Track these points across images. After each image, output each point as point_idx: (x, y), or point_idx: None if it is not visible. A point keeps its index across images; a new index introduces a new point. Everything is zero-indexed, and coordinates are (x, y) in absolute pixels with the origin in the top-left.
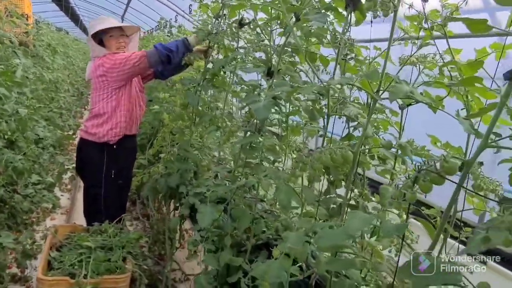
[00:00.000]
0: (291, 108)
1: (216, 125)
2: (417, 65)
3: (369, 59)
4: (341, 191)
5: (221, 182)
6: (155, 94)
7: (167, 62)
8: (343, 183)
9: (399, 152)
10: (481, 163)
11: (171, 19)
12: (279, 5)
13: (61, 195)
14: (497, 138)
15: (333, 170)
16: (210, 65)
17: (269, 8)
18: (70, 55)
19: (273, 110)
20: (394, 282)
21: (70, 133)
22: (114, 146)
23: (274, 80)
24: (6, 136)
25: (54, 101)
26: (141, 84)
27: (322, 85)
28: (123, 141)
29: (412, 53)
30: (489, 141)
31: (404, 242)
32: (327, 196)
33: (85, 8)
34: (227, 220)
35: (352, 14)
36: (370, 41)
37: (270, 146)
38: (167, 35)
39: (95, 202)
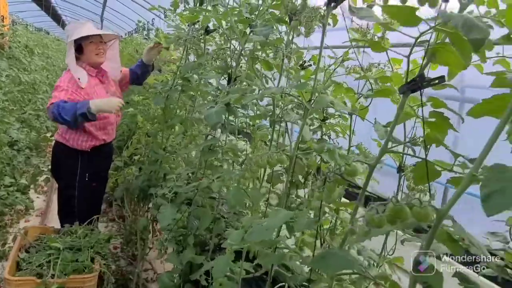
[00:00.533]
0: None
1: (185, 129)
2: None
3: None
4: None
5: (182, 184)
6: (131, 97)
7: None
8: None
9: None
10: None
11: (148, 22)
12: (229, 18)
13: (37, 197)
14: (394, 145)
15: (298, 170)
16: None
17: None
18: (50, 56)
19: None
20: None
21: (48, 134)
22: (89, 152)
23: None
24: None
25: (31, 103)
26: (119, 91)
27: (262, 94)
28: (98, 147)
29: (336, 63)
30: (389, 146)
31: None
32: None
33: (66, 8)
34: (191, 220)
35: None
36: (334, 47)
37: (230, 149)
38: (145, 38)
39: (68, 204)
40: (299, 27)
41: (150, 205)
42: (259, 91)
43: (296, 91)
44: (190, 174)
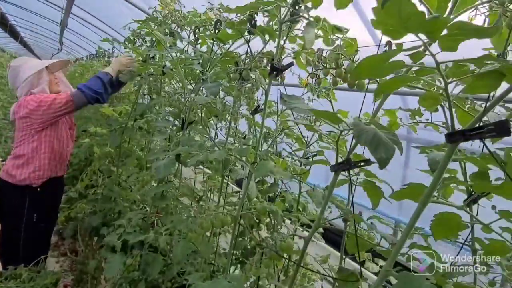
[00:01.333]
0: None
1: (140, 167)
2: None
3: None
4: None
5: (132, 231)
6: (88, 125)
7: (97, 102)
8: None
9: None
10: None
11: (109, 49)
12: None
13: None
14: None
15: (247, 221)
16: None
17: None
18: (4, 76)
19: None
20: None
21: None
22: (38, 189)
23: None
24: None
25: None
26: (72, 121)
27: (211, 156)
28: (48, 183)
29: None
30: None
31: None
32: (240, 239)
33: (25, 25)
34: (142, 265)
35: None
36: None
37: (184, 193)
38: (105, 65)
39: (12, 246)
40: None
41: (101, 243)
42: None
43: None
44: (141, 220)
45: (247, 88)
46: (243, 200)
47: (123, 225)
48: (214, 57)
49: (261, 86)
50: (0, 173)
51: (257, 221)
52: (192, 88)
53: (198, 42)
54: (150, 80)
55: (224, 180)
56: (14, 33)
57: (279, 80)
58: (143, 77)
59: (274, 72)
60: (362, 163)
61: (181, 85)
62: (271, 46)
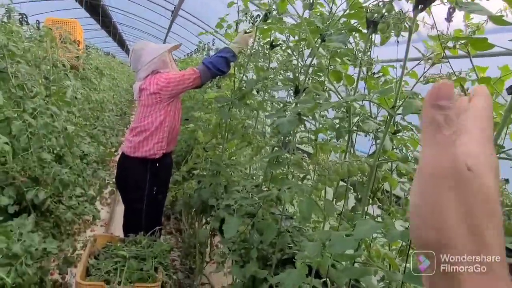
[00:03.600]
0: (318, 126)
1: (247, 142)
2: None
3: (396, 78)
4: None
5: (247, 196)
6: (191, 113)
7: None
8: (370, 201)
9: None
10: None
11: (208, 42)
12: (303, 27)
13: (101, 208)
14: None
15: (359, 187)
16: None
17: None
18: (115, 78)
19: (302, 128)
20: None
21: (112, 150)
22: (157, 164)
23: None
24: (55, 151)
25: (99, 120)
26: (180, 100)
27: (340, 101)
28: (163, 158)
29: (425, 70)
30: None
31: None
32: (354, 213)
33: (130, 34)
34: (254, 233)
35: (377, 35)
36: (397, 60)
37: (296, 162)
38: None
39: (135, 217)
40: (371, 37)
41: (209, 218)
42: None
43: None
44: (254, 187)
45: (393, 15)
46: (380, 150)
47: (237, 191)
48: (334, 16)
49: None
50: (125, 149)
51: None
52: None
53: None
54: (259, 54)
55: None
56: (121, 42)
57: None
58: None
59: (420, 6)
60: None
61: (295, 51)
62: None
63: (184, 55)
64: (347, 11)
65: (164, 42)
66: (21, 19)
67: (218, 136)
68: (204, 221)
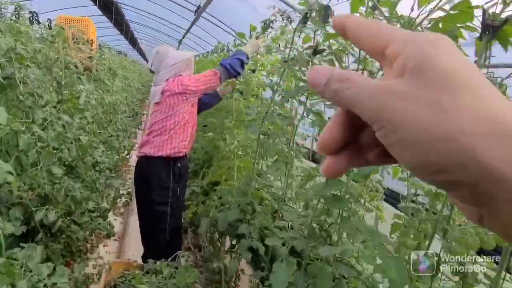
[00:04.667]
0: None
1: (283, 160)
2: None
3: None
4: None
5: (298, 236)
6: (209, 119)
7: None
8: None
9: None
10: None
11: (228, 43)
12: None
13: (114, 219)
14: None
15: None
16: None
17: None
18: (127, 77)
19: None
20: None
21: (125, 153)
22: (178, 164)
23: None
24: (66, 163)
25: (112, 123)
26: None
27: None
28: (183, 159)
29: None
30: None
31: None
32: None
33: (142, 32)
34: (301, 277)
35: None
36: None
37: (358, 196)
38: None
39: (160, 221)
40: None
41: (234, 240)
42: None
43: None
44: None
45: None
46: None
47: (285, 229)
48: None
49: None
50: (148, 151)
51: None
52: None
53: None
54: (301, 61)
55: None
56: (132, 40)
57: None
58: (286, 61)
59: None
60: None
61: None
62: None
63: (197, 55)
64: (443, 13)
65: (181, 41)
66: (31, 18)
67: (249, 151)
68: (227, 241)
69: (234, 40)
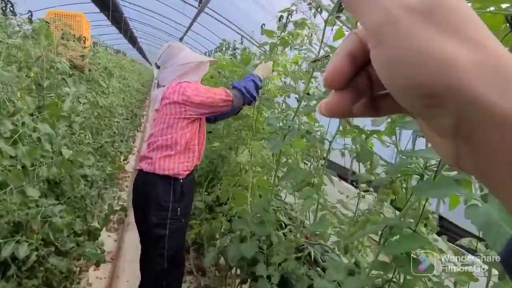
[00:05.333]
0: None
1: (309, 184)
2: None
3: None
4: None
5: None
6: (214, 125)
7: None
8: None
9: None
10: None
11: (235, 40)
12: None
13: (108, 236)
14: None
15: None
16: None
17: None
18: (126, 77)
19: None
20: None
21: (121, 159)
22: (181, 181)
23: None
24: (48, 179)
25: (107, 127)
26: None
27: None
28: (189, 175)
29: None
30: None
31: None
32: None
33: (142, 30)
34: None
35: None
36: None
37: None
38: (230, 57)
39: (157, 246)
40: None
41: (247, 276)
42: None
43: None
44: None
45: None
46: None
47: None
48: None
49: None
50: (144, 166)
51: None
52: None
53: None
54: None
55: None
56: (132, 39)
57: None
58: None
59: None
60: None
61: None
62: None
63: (202, 53)
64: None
65: (181, 39)
66: (4, 8)
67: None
68: (236, 273)
69: (241, 38)
